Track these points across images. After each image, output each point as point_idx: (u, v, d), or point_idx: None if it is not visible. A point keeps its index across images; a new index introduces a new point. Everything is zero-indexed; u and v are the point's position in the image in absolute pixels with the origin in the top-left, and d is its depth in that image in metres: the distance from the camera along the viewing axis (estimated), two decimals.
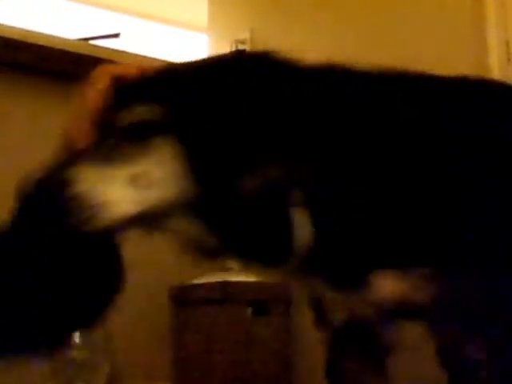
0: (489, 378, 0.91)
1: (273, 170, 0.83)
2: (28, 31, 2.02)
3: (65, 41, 2.06)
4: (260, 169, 0.83)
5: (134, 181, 0.82)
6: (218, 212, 0.84)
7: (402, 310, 0.93)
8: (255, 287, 1.99)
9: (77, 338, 1.76)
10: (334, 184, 0.88)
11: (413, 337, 0.98)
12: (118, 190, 0.81)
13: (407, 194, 0.90)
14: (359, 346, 1.04)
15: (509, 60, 1.92)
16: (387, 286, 0.90)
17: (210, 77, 0.87)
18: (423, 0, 2.12)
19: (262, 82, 0.87)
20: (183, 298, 2.03)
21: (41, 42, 1.94)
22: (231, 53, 0.94)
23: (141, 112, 0.85)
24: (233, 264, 2.09)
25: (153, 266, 2.03)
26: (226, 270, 2.08)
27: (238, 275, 2.03)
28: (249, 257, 0.90)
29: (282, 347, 2.01)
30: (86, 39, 2.30)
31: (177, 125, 0.84)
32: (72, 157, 0.84)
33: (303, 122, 0.87)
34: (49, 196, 0.80)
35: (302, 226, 0.87)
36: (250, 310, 1.97)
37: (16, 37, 1.91)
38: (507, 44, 1.96)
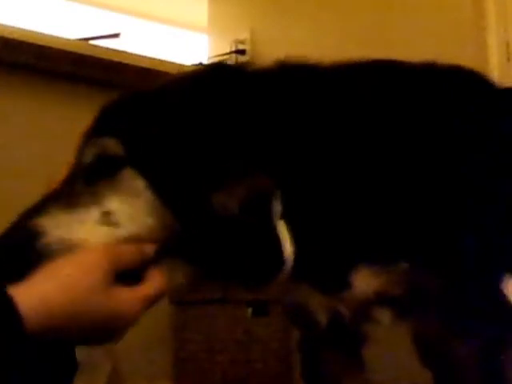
0: (474, 377, 0.90)
1: (245, 185, 0.82)
2: (28, 31, 2.02)
3: (65, 41, 2.06)
4: (231, 185, 0.81)
5: (104, 219, 0.80)
6: (199, 239, 0.82)
7: (382, 305, 0.93)
8: None
9: None
10: (307, 192, 0.88)
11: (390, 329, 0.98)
12: (90, 231, 0.79)
13: (381, 192, 0.89)
14: (334, 341, 1.04)
15: (509, 60, 1.93)
16: (365, 282, 0.90)
17: (164, 103, 0.86)
18: (423, 0, 2.12)
19: (224, 99, 0.86)
20: (183, 298, 2.03)
21: (41, 42, 1.94)
22: (193, 73, 0.93)
23: (103, 146, 0.83)
24: None
25: None
26: None
27: None
28: (239, 277, 0.88)
29: (282, 347, 2.00)
30: (86, 39, 2.30)
31: (135, 158, 0.82)
32: (41, 204, 0.81)
33: (267, 135, 0.86)
34: (20, 249, 0.77)
35: (286, 238, 0.86)
36: (250, 310, 1.97)
37: (16, 37, 1.91)
38: (507, 44, 1.96)
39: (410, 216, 0.89)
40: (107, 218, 0.80)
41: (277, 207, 0.85)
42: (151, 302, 0.82)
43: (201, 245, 0.83)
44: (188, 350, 1.99)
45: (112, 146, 0.83)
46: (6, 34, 1.90)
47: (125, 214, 0.80)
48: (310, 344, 1.06)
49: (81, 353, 1.69)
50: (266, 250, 0.85)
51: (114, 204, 0.81)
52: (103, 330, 0.78)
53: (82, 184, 0.83)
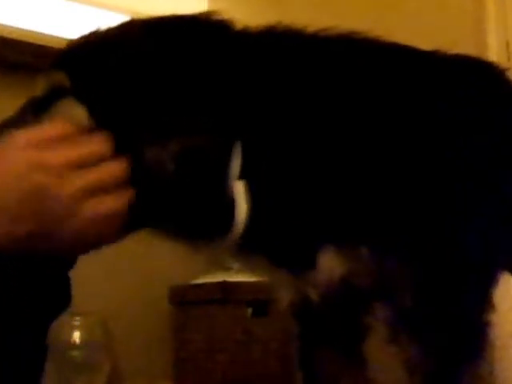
0: (423, 379, 0.88)
1: (181, 140, 0.80)
2: (28, 31, 2.02)
3: (65, 41, 2.06)
4: (167, 138, 0.80)
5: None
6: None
7: (346, 292, 0.90)
8: (255, 287, 1.99)
9: (77, 338, 1.76)
10: (273, 153, 0.84)
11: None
12: None
13: (353, 168, 0.85)
14: (331, 334, 1.02)
15: (509, 60, 1.93)
16: (331, 265, 0.86)
17: (123, 39, 0.86)
18: (423, 0, 2.12)
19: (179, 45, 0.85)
20: (183, 298, 2.03)
21: (41, 42, 1.94)
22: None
23: (52, 79, 0.86)
24: (233, 264, 2.10)
25: (153, 266, 2.03)
26: (226, 269, 2.08)
27: (238, 275, 2.03)
28: (174, 229, 0.86)
29: (282, 347, 2.00)
30: None
31: (77, 88, 0.83)
32: None
33: (235, 91, 0.83)
34: None
35: (241, 199, 0.83)
36: (249, 310, 1.97)
37: (16, 37, 1.91)
38: (507, 44, 1.96)
39: (384, 197, 0.85)
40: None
41: (234, 167, 0.82)
42: (84, 154, 0.77)
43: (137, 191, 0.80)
44: (188, 350, 1.99)
45: (60, 78, 0.85)
46: (6, 34, 1.90)
47: None
48: (306, 343, 1.05)
49: (81, 353, 1.68)
50: (211, 209, 0.83)
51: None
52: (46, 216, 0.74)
53: (31, 115, 0.85)
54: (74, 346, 1.76)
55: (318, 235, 0.86)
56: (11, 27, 1.99)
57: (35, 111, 0.86)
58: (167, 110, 0.81)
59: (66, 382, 1.74)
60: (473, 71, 1.00)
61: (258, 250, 0.89)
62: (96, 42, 0.87)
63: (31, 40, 1.93)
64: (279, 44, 0.89)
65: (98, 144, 0.78)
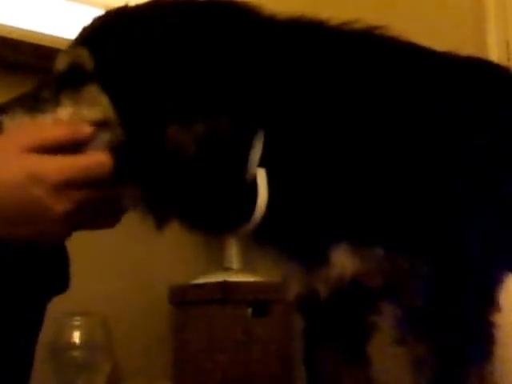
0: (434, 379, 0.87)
1: (204, 124, 0.79)
2: (28, 31, 2.02)
3: (65, 41, 2.06)
4: (189, 121, 0.79)
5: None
6: (145, 163, 0.81)
7: (354, 291, 0.90)
8: (255, 287, 1.99)
9: (77, 338, 1.76)
10: (295, 143, 0.84)
11: None
12: None
13: (372, 167, 0.85)
14: (336, 332, 1.01)
15: (509, 60, 1.92)
16: (344, 262, 0.86)
17: (147, 22, 0.84)
18: (423, 0, 2.12)
19: (205, 30, 0.83)
20: (183, 298, 2.03)
21: (41, 42, 1.94)
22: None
23: (76, 55, 0.85)
24: (233, 264, 2.10)
25: (153, 266, 2.03)
26: (226, 269, 2.08)
27: (238, 275, 2.03)
28: (190, 216, 0.86)
29: (282, 347, 2.00)
30: None
31: (102, 73, 0.83)
32: (8, 103, 0.85)
33: (260, 78, 0.82)
34: None
35: (262, 187, 0.82)
36: (249, 310, 1.97)
37: (16, 37, 1.91)
38: (507, 44, 1.96)
39: (398, 197, 0.85)
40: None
41: (256, 154, 0.82)
42: (83, 173, 0.80)
43: (155, 176, 0.81)
44: (188, 350, 1.99)
45: (84, 56, 0.84)
46: (6, 34, 1.90)
47: (81, 119, 0.82)
48: (310, 341, 1.04)
49: (81, 353, 1.69)
50: (231, 194, 0.83)
51: (74, 110, 0.83)
52: (30, 203, 0.78)
53: (51, 90, 0.86)
54: (74, 346, 1.75)
55: (333, 231, 0.86)
56: (11, 27, 1.99)
57: (55, 88, 0.86)
58: (192, 92, 0.80)
59: (66, 382, 1.73)
60: (473, 71, 1.00)
61: (272, 241, 0.88)
62: (122, 21, 0.85)
63: (31, 40, 1.93)
64: (305, 34, 0.89)
65: (98, 164, 0.80)
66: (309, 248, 0.88)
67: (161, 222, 0.86)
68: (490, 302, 0.91)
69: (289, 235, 0.88)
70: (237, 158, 0.82)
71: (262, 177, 0.82)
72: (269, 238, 0.88)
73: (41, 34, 2.04)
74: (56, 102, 0.84)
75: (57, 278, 0.99)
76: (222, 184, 0.82)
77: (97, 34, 0.86)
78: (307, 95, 0.85)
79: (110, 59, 0.83)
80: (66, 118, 0.83)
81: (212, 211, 0.84)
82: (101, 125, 0.82)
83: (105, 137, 0.82)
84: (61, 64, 0.87)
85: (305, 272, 0.90)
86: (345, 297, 0.92)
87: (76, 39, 0.87)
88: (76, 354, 1.75)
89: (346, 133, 0.85)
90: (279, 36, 0.87)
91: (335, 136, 0.85)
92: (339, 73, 0.88)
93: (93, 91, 0.82)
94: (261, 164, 0.83)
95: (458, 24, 1.98)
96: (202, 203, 0.83)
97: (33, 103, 0.84)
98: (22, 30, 2.01)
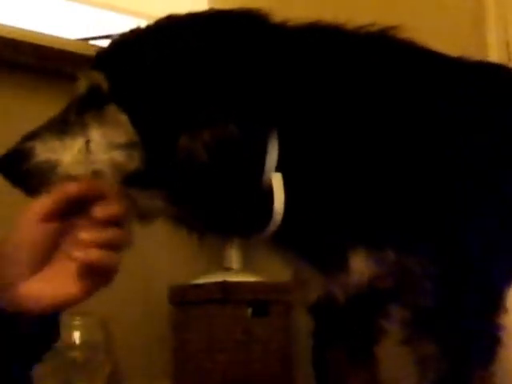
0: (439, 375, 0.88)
1: (211, 131, 0.82)
2: (28, 31, 2.02)
3: (65, 41, 2.06)
4: (197, 129, 0.82)
5: (86, 147, 0.86)
6: (166, 175, 0.85)
7: (368, 294, 0.90)
8: (255, 287, 1.99)
9: (77, 338, 1.76)
10: (311, 148, 0.85)
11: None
12: (73, 157, 0.86)
13: (387, 173, 0.86)
14: (345, 334, 1.02)
15: (509, 60, 1.92)
16: (362, 268, 0.87)
17: (158, 42, 0.89)
18: (423, 0, 2.12)
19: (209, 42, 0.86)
20: (183, 298, 2.03)
21: (41, 42, 1.94)
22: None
23: (93, 79, 0.89)
24: (233, 264, 2.10)
25: (153, 266, 2.03)
26: (226, 269, 2.08)
27: (238, 275, 2.03)
28: (211, 222, 0.89)
29: (282, 347, 2.00)
30: (86, 39, 2.30)
31: (118, 93, 0.87)
32: (37, 129, 0.89)
33: (273, 85, 0.84)
34: (10, 168, 0.86)
35: (278, 191, 0.84)
36: (249, 310, 1.97)
37: (16, 37, 1.91)
38: (507, 44, 1.96)
39: (405, 198, 0.86)
40: (88, 147, 0.86)
41: (271, 159, 0.83)
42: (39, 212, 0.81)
43: (171, 186, 0.85)
44: (188, 350, 1.99)
45: (100, 80, 0.88)
46: (6, 34, 1.90)
47: (101, 144, 0.86)
48: (320, 342, 1.04)
49: (81, 353, 1.68)
50: (249, 201, 0.84)
51: (96, 134, 0.87)
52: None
53: (74, 113, 0.90)
54: (73, 346, 1.75)
55: (349, 235, 0.87)
56: (11, 27, 1.99)
57: (79, 111, 0.89)
58: (199, 101, 0.83)
59: (65, 382, 1.73)
60: (473, 71, 1.00)
61: (291, 245, 0.89)
62: (135, 44, 0.90)
63: (31, 40, 1.93)
64: (318, 38, 0.91)
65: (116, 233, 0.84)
66: (327, 253, 0.89)
67: (193, 231, 0.90)
68: (494, 304, 0.91)
69: (308, 240, 0.88)
70: (251, 163, 0.84)
71: (277, 181, 0.84)
72: (288, 242, 0.89)
73: (41, 33, 2.04)
74: (83, 125, 0.88)
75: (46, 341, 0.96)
76: (238, 189, 0.84)
77: (111, 57, 0.91)
78: (319, 99, 0.86)
79: (122, 78, 0.88)
80: (97, 139, 0.87)
81: (230, 216, 0.86)
82: (127, 146, 0.86)
83: (131, 157, 0.86)
84: (81, 87, 0.91)
85: (323, 277, 0.91)
86: (356, 300, 0.93)
87: (93, 61, 0.92)
88: (76, 354, 1.75)
89: (360, 135, 0.86)
90: (288, 40, 0.89)
91: (349, 140, 0.86)
92: (349, 74, 0.89)
93: (113, 111, 0.87)
94: (278, 168, 0.84)
95: (457, 24, 1.98)
96: (220, 208, 0.85)
97: (61, 127, 0.88)
98: (22, 29, 2.01)
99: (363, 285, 0.88)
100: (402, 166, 0.86)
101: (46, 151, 0.86)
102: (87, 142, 0.86)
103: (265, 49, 0.86)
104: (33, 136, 0.88)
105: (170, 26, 0.91)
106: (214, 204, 0.84)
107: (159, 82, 0.85)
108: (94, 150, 0.86)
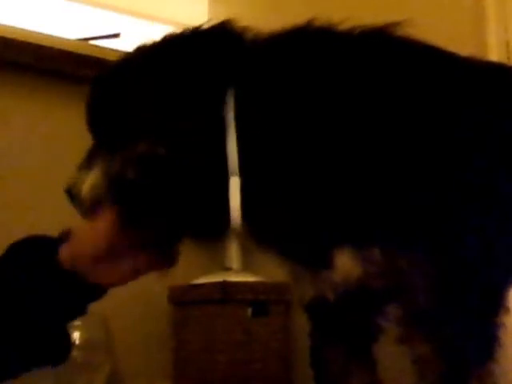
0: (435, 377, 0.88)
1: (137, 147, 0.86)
2: (28, 31, 2.02)
3: (65, 41, 2.06)
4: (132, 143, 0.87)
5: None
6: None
7: (361, 293, 0.90)
8: (255, 287, 1.99)
9: (77, 338, 1.76)
10: (273, 146, 0.85)
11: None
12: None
13: (367, 163, 0.84)
14: (343, 333, 1.01)
15: (509, 60, 1.92)
16: (348, 266, 0.86)
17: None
18: (423, 0, 2.12)
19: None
20: (183, 298, 2.03)
21: (41, 42, 1.94)
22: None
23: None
24: (233, 264, 2.10)
25: None
26: (226, 269, 2.08)
27: (238, 275, 2.03)
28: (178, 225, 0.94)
29: (282, 347, 2.00)
30: (86, 39, 2.30)
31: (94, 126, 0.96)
32: (85, 160, 0.96)
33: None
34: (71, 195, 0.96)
35: (233, 196, 0.85)
36: (250, 310, 1.97)
37: (16, 37, 1.91)
38: (507, 44, 1.96)
39: (397, 196, 0.85)
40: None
41: (231, 163, 0.84)
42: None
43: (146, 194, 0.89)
44: (188, 349, 1.99)
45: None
46: (6, 34, 1.90)
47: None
48: (317, 342, 1.04)
49: (81, 353, 1.68)
50: (207, 204, 0.88)
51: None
52: None
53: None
54: (73, 346, 1.75)
55: (334, 233, 0.86)
56: (11, 27, 1.99)
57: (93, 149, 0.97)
58: (151, 115, 0.87)
59: (66, 382, 1.73)
60: (473, 71, 1.00)
61: (274, 244, 0.89)
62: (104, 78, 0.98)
63: (31, 40, 1.93)
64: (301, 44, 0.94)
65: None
66: (312, 251, 0.88)
67: (165, 241, 1.01)
68: (493, 303, 0.91)
69: (290, 238, 0.88)
70: (201, 170, 0.86)
71: (234, 185, 0.84)
72: (270, 241, 0.89)
73: (41, 34, 2.04)
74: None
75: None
76: (190, 196, 0.87)
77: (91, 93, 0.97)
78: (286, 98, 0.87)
79: (96, 113, 0.95)
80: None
81: (194, 220, 0.91)
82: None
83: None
84: None
85: (311, 275, 0.91)
86: (351, 299, 0.93)
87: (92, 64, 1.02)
88: (76, 354, 1.75)
89: (344, 133, 0.85)
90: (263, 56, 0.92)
91: (334, 138, 0.85)
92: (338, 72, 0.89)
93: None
94: (242, 171, 0.84)
95: (458, 24, 1.98)
96: (180, 212, 0.91)
97: (88, 160, 0.96)
98: (22, 29, 2.01)
99: (352, 283, 0.87)
100: (393, 162, 0.85)
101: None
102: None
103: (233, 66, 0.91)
104: (81, 167, 0.96)
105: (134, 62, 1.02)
106: (172, 210, 0.90)
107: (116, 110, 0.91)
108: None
